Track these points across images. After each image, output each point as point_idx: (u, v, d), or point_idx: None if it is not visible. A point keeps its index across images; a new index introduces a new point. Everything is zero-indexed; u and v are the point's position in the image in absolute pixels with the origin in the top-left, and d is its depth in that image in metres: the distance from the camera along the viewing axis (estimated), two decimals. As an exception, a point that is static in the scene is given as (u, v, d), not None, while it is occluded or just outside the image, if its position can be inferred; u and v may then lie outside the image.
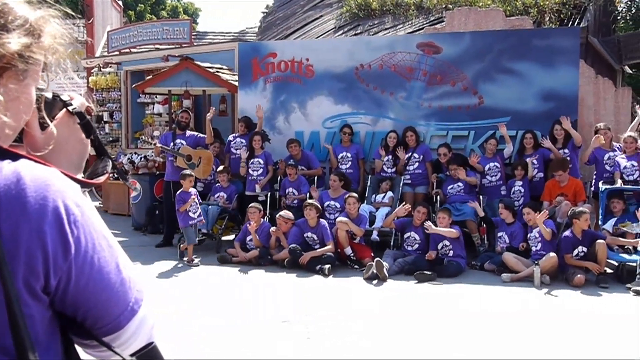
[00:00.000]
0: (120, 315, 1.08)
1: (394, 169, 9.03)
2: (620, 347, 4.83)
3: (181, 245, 8.34)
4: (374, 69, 9.58)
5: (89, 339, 1.11)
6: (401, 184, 8.84)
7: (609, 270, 7.24)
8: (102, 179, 1.19)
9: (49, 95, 1.14)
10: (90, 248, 1.04)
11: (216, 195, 9.10)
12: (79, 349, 1.14)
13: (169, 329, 5.20)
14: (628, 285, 6.62)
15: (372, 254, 7.54)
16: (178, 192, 8.27)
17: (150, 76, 11.32)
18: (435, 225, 7.58)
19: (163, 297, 6.37)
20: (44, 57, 1.08)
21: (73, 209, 1.01)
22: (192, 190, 8.24)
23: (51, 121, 1.13)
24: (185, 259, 8.13)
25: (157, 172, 10.75)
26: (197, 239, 8.39)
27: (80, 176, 1.15)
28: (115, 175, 11.74)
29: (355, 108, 9.69)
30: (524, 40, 9.07)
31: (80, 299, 1.05)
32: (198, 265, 7.97)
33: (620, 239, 7.21)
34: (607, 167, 8.13)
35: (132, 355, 1.11)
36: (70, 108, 1.15)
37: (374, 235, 8.09)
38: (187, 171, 8.47)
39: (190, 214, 8.09)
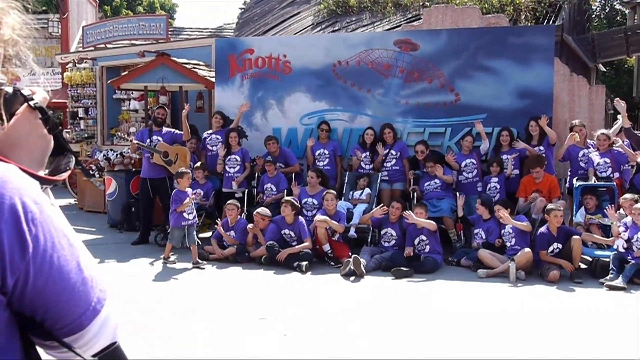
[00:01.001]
0: (82, 315, 1.06)
1: (371, 166, 9.05)
2: (596, 343, 4.89)
3: (165, 253, 7.93)
4: (351, 66, 9.59)
5: (50, 339, 1.08)
6: (378, 181, 8.86)
7: (583, 266, 7.33)
8: (64, 175, 1.16)
9: (10, 89, 1.11)
10: (49, 247, 1.01)
11: (193, 192, 9.02)
12: (40, 350, 1.11)
13: (142, 327, 5.15)
14: (601, 280, 6.70)
15: (350, 253, 7.53)
16: (174, 191, 7.97)
17: (126, 72, 11.20)
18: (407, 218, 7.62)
19: (137, 295, 6.30)
20: (2, 50, 1.05)
21: (31, 206, 0.99)
22: (189, 190, 7.96)
23: (12, 116, 1.10)
24: (169, 259, 7.86)
25: (134, 169, 10.64)
26: (196, 240, 7.89)
27: (42, 173, 1.12)
28: (91, 172, 11.70)
29: (332, 105, 9.69)
30: (500, 38, 9.14)
31: (39, 299, 1.02)
32: (174, 263, 7.80)
33: (595, 235, 7.30)
34: (582, 164, 8.23)
35: (94, 356, 1.08)
36: (31, 103, 1.12)
37: (352, 232, 8.10)
38: (184, 169, 8.16)
39: (185, 214, 7.81)
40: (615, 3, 27.60)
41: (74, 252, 1.06)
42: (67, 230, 1.06)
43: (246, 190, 9.07)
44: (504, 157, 8.52)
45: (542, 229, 7.16)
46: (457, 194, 8.42)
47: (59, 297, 1.03)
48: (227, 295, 6.42)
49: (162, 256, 7.98)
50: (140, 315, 5.50)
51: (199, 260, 7.69)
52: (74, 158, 1.20)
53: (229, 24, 17.95)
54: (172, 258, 7.93)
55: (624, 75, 25.35)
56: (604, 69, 22.74)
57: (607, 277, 6.70)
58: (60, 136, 1.18)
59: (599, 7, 26.91)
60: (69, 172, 1.18)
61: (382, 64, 9.45)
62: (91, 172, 11.36)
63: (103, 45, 13.72)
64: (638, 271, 6.68)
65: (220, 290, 6.61)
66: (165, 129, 9.33)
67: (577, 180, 8.02)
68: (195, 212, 8.02)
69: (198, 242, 7.97)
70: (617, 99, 8.30)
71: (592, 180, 7.85)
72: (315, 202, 8.46)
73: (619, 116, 7.93)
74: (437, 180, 8.42)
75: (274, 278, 7.16)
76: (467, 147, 8.68)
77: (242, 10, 17.46)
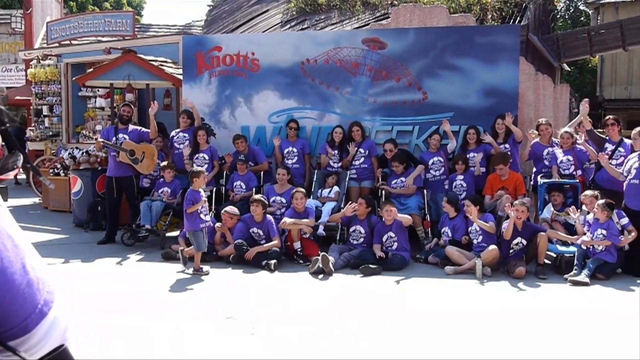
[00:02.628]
0: (27, 318, 1.03)
1: (340, 164, 9.06)
2: (563, 338, 4.98)
3: (184, 251, 7.43)
4: (319, 64, 9.58)
5: None
6: (347, 179, 8.88)
7: (547, 262, 7.46)
8: (11, 174, 1.13)
9: None
10: None
11: (160, 191, 8.95)
12: None
13: (105, 328, 5.10)
14: (566, 276, 6.83)
15: (319, 252, 7.52)
16: (188, 191, 7.45)
17: (92, 69, 11.03)
18: (381, 219, 7.66)
19: (103, 295, 6.23)
20: None
21: None
22: (202, 192, 7.41)
23: None
24: (190, 269, 7.21)
25: (100, 168, 10.48)
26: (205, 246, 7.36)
27: None
28: (56, 171, 11.50)
29: (301, 103, 9.67)
30: (467, 37, 9.22)
31: None
32: (208, 274, 7.12)
33: (559, 233, 7.42)
34: (546, 162, 8.37)
35: (40, 359, 1.06)
36: None
37: (320, 230, 8.10)
38: (198, 168, 7.75)
39: (202, 216, 7.31)
40: (579, 4, 28.14)
41: (19, 253, 1.03)
42: (12, 231, 1.03)
43: (214, 189, 9.01)
44: (471, 155, 8.61)
45: (507, 224, 7.23)
46: (425, 191, 8.51)
47: (1, 300, 1.00)
48: (194, 294, 6.37)
49: (190, 269, 7.21)
50: (104, 315, 5.44)
51: (202, 267, 7.18)
52: (22, 156, 1.17)
53: (197, 21, 17.80)
54: (206, 269, 7.22)
55: (587, 74, 25.86)
56: (568, 69, 23.17)
57: (571, 273, 6.83)
58: (8, 134, 1.15)
59: (563, 7, 27.41)
60: (16, 170, 1.16)
61: (350, 62, 9.46)
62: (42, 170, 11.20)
63: (68, 42, 13.47)
64: (600, 266, 6.82)
65: (186, 289, 6.55)
66: (131, 127, 9.20)
67: (541, 177, 8.16)
68: (210, 213, 7.41)
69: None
70: (586, 100, 8.44)
71: (556, 178, 7.99)
72: (284, 200, 8.44)
73: (582, 118, 8.06)
74: (403, 178, 8.47)
75: (242, 277, 7.12)
76: (434, 145, 8.75)
77: (211, 7, 17.34)
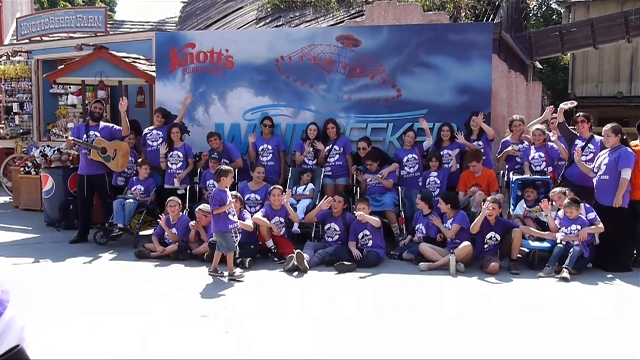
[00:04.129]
0: None
1: (314, 161, 9.06)
2: (536, 334, 5.04)
3: (214, 254, 7.03)
4: (294, 61, 9.56)
5: None
6: (322, 176, 8.87)
7: (519, 255, 7.52)
8: None
9: None
10: None
11: (133, 189, 8.84)
12: None
13: (80, 327, 5.04)
14: (540, 274, 6.91)
15: (294, 250, 7.51)
16: (214, 191, 7.06)
17: (63, 65, 10.87)
18: (355, 215, 7.67)
19: (74, 295, 6.14)
20: None
21: None
22: (228, 192, 7.06)
23: None
24: (224, 273, 6.86)
25: (72, 166, 10.33)
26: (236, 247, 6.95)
27: None
28: (27, 169, 11.31)
29: (275, 100, 9.64)
30: (440, 35, 9.28)
31: None
32: (242, 276, 6.80)
33: (532, 229, 7.50)
34: (517, 159, 8.47)
35: None
36: None
37: (295, 227, 8.10)
38: (226, 166, 7.32)
39: (230, 216, 6.93)
40: (551, 2, 28.50)
41: None
42: None
43: (188, 187, 8.94)
44: (445, 152, 8.68)
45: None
46: (399, 188, 8.55)
47: None
48: (167, 292, 6.31)
49: (224, 273, 6.89)
50: (74, 315, 5.37)
51: (235, 271, 6.86)
52: None
53: (171, 17, 17.64)
54: (238, 272, 6.87)
55: (559, 72, 26.19)
56: (541, 66, 23.47)
57: (545, 269, 6.94)
58: None
59: (536, 6, 27.73)
60: None
61: (324, 59, 9.46)
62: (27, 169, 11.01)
63: (39, 38, 13.24)
64: (576, 261, 6.88)
65: (161, 288, 6.49)
66: (102, 124, 9.07)
67: (513, 174, 8.25)
68: (236, 214, 7.11)
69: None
70: (551, 108, 8.58)
71: (528, 174, 8.08)
72: (258, 197, 8.41)
73: (562, 104, 8.10)
74: (379, 176, 8.49)
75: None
76: (409, 142, 8.79)
77: (185, 4, 17.17)
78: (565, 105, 8.05)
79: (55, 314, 5.44)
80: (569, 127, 8.19)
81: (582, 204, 7.14)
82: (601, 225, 7.05)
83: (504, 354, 4.52)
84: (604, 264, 7.16)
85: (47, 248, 8.45)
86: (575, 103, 8.25)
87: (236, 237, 6.96)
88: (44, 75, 11.57)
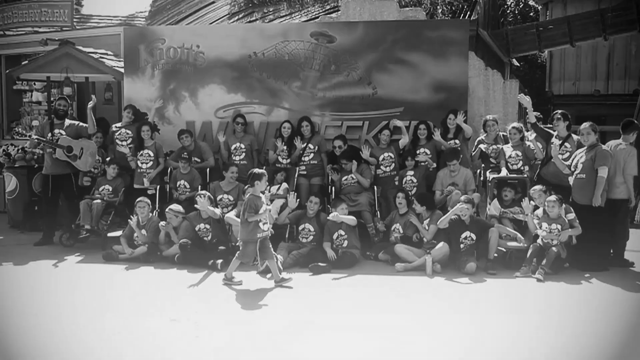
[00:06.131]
0: None
1: (289, 160, 8.87)
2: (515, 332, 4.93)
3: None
4: (267, 58, 9.36)
5: None
6: (296, 175, 8.69)
7: (495, 255, 7.43)
8: None
9: None
10: None
11: (100, 189, 8.56)
12: None
13: (44, 330, 4.87)
14: (516, 274, 6.85)
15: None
16: (248, 196, 6.54)
17: (27, 61, 10.56)
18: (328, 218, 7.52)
19: (40, 299, 5.91)
20: None
21: None
22: (262, 196, 6.57)
23: None
24: (233, 279, 6.55)
25: (36, 166, 9.99)
26: (274, 254, 6.62)
27: None
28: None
29: (248, 97, 9.45)
30: (416, 31, 9.16)
31: None
32: (241, 283, 6.50)
33: (508, 229, 7.43)
34: (492, 160, 8.38)
35: None
36: None
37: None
38: (259, 170, 6.74)
39: (260, 224, 6.47)
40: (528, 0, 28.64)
41: None
42: None
43: (158, 187, 8.67)
44: (421, 150, 8.56)
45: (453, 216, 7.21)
46: (375, 187, 8.40)
47: None
48: (137, 295, 6.10)
49: (233, 279, 6.58)
50: (39, 319, 5.16)
51: (284, 277, 6.52)
52: None
53: (141, 12, 17.24)
54: (237, 278, 6.57)
55: (537, 70, 26.32)
56: (518, 64, 23.54)
57: (522, 269, 6.88)
58: None
59: (513, 3, 27.84)
60: None
61: (299, 56, 9.27)
62: None
63: (2, 33, 12.84)
64: (553, 261, 6.82)
65: (130, 291, 6.27)
66: (68, 122, 8.75)
67: (490, 172, 8.16)
68: (269, 222, 6.64)
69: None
70: (521, 94, 8.48)
71: (505, 173, 7.99)
72: (231, 198, 8.20)
73: (527, 111, 8.07)
74: (354, 175, 8.34)
75: (187, 277, 6.86)
76: (384, 140, 8.65)
77: (156, -2, 16.83)
78: (524, 101, 8.03)
79: (18, 317, 5.21)
80: (545, 127, 8.13)
81: (563, 205, 7.08)
82: (579, 228, 7.01)
83: (480, 354, 4.39)
84: (581, 263, 7.10)
85: (11, 251, 8.23)
86: (528, 99, 8.16)
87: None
88: (7, 71, 11.32)
